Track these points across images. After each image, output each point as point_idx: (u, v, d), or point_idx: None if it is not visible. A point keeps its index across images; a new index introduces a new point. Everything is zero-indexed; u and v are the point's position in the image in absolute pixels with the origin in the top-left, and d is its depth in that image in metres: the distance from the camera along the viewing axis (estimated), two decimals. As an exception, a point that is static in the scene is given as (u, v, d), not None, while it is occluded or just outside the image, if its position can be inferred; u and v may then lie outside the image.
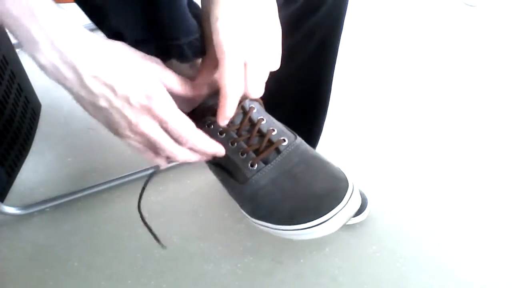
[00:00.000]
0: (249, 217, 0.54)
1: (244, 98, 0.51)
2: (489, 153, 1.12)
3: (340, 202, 0.47)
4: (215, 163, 0.54)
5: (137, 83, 0.42)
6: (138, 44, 0.45)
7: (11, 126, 0.87)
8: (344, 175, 0.51)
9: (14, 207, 0.97)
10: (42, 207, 0.99)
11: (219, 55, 0.44)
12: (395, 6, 1.71)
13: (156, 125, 0.44)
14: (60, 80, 0.41)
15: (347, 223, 0.94)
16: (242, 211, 0.55)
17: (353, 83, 1.34)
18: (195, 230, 0.95)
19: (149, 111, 0.42)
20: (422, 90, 1.32)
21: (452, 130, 1.18)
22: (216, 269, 0.89)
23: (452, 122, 1.21)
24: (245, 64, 0.45)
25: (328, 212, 0.47)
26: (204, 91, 0.51)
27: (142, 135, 0.44)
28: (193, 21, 0.46)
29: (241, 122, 0.52)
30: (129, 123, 0.43)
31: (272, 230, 0.51)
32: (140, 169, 1.04)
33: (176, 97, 0.46)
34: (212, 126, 0.52)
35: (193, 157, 0.48)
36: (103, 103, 0.42)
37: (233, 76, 0.44)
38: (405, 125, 1.20)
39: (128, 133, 0.44)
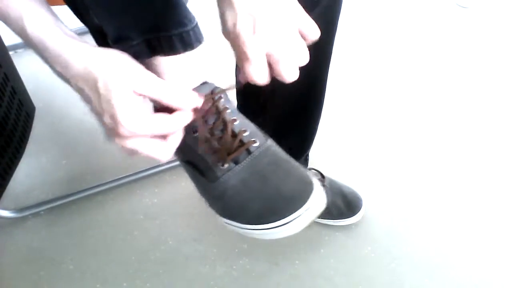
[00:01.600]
0: (218, 216, 0.55)
1: (219, 98, 0.52)
2: (483, 152, 1.12)
3: (303, 205, 0.48)
4: (187, 161, 0.55)
5: (105, 102, 0.42)
6: (119, 41, 0.45)
7: (5, 129, 0.87)
8: (310, 178, 0.52)
9: (8, 210, 0.97)
10: (37, 210, 0.99)
11: (240, 48, 0.44)
12: (388, 8, 1.71)
13: (133, 140, 0.44)
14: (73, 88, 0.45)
15: (342, 224, 0.94)
16: (212, 209, 0.56)
17: (348, 84, 1.34)
18: (190, 232, 0.95)
19: (116, 132, 0.43)
20: (415, 91, 1.33)
21: (446, 130, 1.19)
22: (211, 271, 0.89)
23: (445, 122, 1.21)
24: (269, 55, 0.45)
25: (291, 214, 0.48)
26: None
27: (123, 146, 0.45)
28: (186, 13, 0.46)
29: (214, 122, 0.53)
30: (110, 132, 0.44)
31: (240, 230, 0.53)
32: (134, 172, 1.04)
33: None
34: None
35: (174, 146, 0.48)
36: (92, 109, 0.45)
37: (258, 68, 0.45)
38: (399, 126, 1.21)
39: (115, 142, 0.45)
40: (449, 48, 1.51)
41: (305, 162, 0.93)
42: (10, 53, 1.05)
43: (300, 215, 0.48)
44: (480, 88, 1.34)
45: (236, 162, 0.52)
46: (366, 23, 1.63)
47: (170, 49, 0.48)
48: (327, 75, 0.79)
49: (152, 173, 1.05)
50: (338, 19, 0.72)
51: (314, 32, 0.49)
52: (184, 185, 1.04)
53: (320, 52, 0.75)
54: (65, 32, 0.43)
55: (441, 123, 1.21)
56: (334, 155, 1.11)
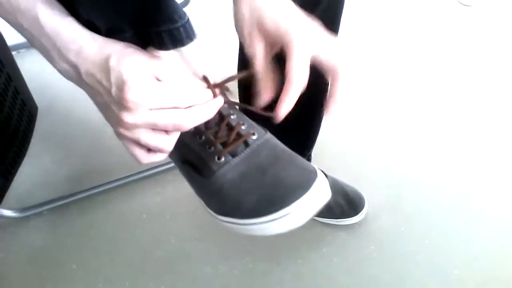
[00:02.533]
0: (215, 215, 0.52)
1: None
2: (485, 151, 1.12)
3: (307, 192, 0.45)
4: (183, 161, 0.53)
5: (115, 74, 0.42)
6: (112, 33, 0.44)
7: (8, 128, 0.87)
8: (313, 167, 0.49)
9: (11, 210, 0.97)
10: (40, 209, 0.99)
11: (287, 43, 0.44)
12: (390, 6, 1.71)
13: (139, 118, 0.42)
14: (75, 82, 0.44)
15: (344, 224, 0.94)
16: (208, 210, 0.53)
17: (350, 84, 1.34)
18: (193, 231, 0.95)
19: (125, 102, 0.41)
20: (418, 90, 1.32)
21: (448, 129, 1.19)
22: (213, 270, 0.89)
23: (448, 121, 1.21)
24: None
25: (294, 202, 0.45)
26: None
27: (130, 129, 0.43)
28: (176, 9, 0.46)
29: None
30: (117, 118, 0.42)
31: (239, 226, 0.50)
32: (137, 171, 1.04)
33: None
34: None
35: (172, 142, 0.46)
36: (100, 98, 0.43)
37: (301, 65, 0.45)
38: (402, 124, 1.20)
39: (120, 130, 0.44)
40: (451, 47, 1.50)
41: (307, 161, 0.92)
42: (13, 53, 1.05)
43: (303, 203, 0.45)
44: (484, 86, 1.33)
45: (233, 155, 0.50)
46: (368, 22, 1.62)
47: (160, 45, 0.47)
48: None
49: (154, 172, 1.05)
50: (340, 18, 0.72)
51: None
52: (186, 185, 1.03)
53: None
54: (77, 22, 0.43)
55: (444, 123, 1.21)
56: (337, 154, 1.11)
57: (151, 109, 0.42)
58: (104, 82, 0.42)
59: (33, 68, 1.07)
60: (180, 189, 1.03)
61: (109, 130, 0.46)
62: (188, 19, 0.47)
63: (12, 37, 0.90)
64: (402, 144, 1.14)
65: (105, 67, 0.42)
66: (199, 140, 0.51)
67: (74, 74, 0.43)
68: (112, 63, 0.42)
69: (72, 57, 0.42)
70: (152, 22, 0.45)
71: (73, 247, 0.94)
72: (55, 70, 0.44)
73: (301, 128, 0.85)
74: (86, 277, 0.89)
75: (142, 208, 1.00)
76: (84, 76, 0.43)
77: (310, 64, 0.52)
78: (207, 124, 0.51)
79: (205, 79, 0.49)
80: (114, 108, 0.42)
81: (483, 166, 1.08)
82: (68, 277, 0.89)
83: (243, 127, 0.52)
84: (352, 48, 1.47)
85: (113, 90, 0.41)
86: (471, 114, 1.23)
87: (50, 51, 0.42)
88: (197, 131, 0.51)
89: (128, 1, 0.44)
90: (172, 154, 0.58)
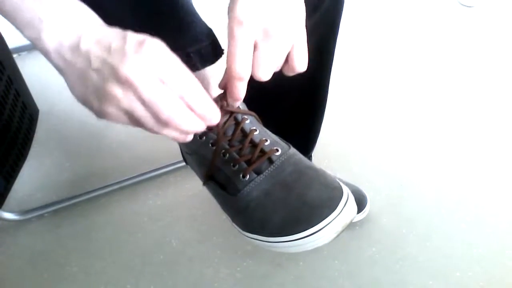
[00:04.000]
0: (241, 231, 0.52)
1: (236, 110, 0.51)
2: (487, 153, 1.12)
3: (333, 211, 0.45)
4: (207, 177, 0.53)
5: (132, 37, 0.39)
6: None
7: (9, 131, 0.87)
8: (339, 184, 0.49)
9: (12, 213, 0.97)
10: (40, 212, 0.99)
11: (229, 32, 0.43)
12: (391, 7, 1.71)
13: (150, 76, 0.39)
14: (62, 61, 0.40)
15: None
16: (234, 225, 0.53)
17: (351, 84, 1.34)
18: (194, 234, 0.95)
19: (141, 56, 0.38)
20: (419, 91, 1.32)
21: (449, 130, 1.19)
22: (215, 273, 0.88)
23: (450, 123, 1.21)
24: (255, 44, 0.44)
25: (320, 222, 0.45)
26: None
27: (135, 91, 0.39)
28: (202, 29, 0.45)
29: (233, 133, 0.51)
30: (118, 77, 0.38)
31: (265, 243, 0.50)
32: (138, 173, 1.04)
33: None
34: (204, 138, 0.52)
35: (195, 126, 0.42)
36: (95, 63, 0.39)
37: (242, 54, 0.43)
38: (403, 125, 1.20)
39: (119, 96, 0.39)
40: (452, 48, 1.50)
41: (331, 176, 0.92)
42: (14, 56, 1.06)
43: (329, 223, 0.45)
44: (485, 89, 1.33)
45: (258, 173, 0.49)
46: (368, 23, 1.62)
47: (189, 66, 0.45)
48: (330, 76, 0.79)
49: (156, 174, 1.05)
50: (339, 21, 0.72)
51: (302, 63, 0.47)
52: (188, 187, 1.04)
53: (323, 52, 0.75)
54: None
55: (446, 124, 1.21)
56: (338, 155, 1.11)
57: (161, 80, 0.38)
58: (115, 43, 0.38)
59: (34, 71, 1.07)
60: (181, 192, 1.03)
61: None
62: (214, 36, 0.47)
63: (13, 40, 0.90)
64: (403, 146, 1.14)
65: (121, 33, 0.39)
66: (223, 158, 0.51)
67: (70, 45, 0.39)
68: (130, 33, 0.39)
69: (77, 24, 0.39)
70: (179, 46, 0.44)
71: (74, 249, 0.94)
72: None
73: (301, 131, 0.85)
74: (87, 280, 0.89)
75: (143, 211, 1.00)
76: (86, 45, 0.39)
77: (307, 68, 0.52)
78: (230, 141, 0.51)
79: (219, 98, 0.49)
80: (121, 66, 0.38)
81: (485, 168, 1.08)
82: (69, 279, 0.89)
83: (266, 143, 0.51)
84: (353, 50, 1.47)
85: (128, 45, 0.38)
86: (472, 115, 1.23)
87: (44, 21, 0.38)
88: (221, 149, 0.51)
89: (152, 29, 0.43)
90: (197, 171, 0.57)
